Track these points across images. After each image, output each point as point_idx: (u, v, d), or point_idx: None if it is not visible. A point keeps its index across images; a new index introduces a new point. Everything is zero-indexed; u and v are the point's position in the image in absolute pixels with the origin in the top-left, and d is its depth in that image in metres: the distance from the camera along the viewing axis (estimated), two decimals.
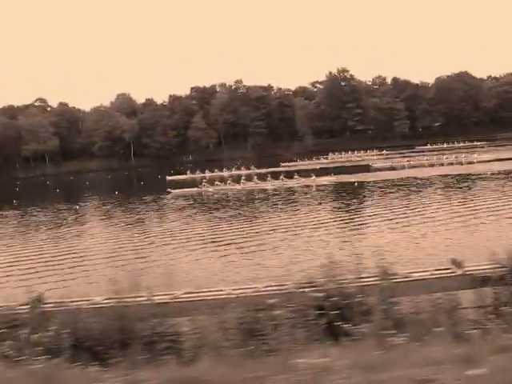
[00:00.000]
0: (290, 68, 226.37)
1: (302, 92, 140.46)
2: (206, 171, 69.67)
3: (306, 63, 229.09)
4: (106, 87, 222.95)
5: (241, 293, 10.56)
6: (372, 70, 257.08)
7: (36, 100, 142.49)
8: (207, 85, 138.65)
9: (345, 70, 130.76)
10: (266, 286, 10.79)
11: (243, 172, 68.89)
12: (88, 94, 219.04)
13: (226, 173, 67.99)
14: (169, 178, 69.59)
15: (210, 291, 11.20)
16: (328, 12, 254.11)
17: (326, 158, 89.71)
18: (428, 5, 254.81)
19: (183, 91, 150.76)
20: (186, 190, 53.64)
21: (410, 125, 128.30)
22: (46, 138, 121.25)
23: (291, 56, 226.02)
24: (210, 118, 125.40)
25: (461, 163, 63.10)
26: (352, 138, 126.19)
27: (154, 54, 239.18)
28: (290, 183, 52.61)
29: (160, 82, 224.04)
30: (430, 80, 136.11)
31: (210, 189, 52.38)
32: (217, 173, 68.91)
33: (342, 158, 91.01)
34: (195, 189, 53.62)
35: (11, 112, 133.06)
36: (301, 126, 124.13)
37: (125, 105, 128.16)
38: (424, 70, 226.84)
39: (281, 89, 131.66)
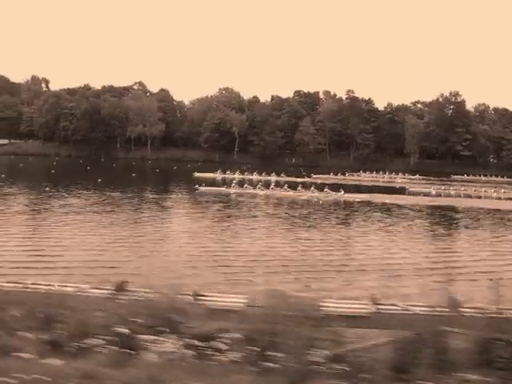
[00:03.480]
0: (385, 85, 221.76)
1: (403, 110, 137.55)
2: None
3: (404, 81, 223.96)
4: (195, 79, 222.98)
5: None
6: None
7: (135, 83, 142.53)
8: (310, 90, 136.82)
9: (457, 94, 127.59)
10: None
11: (277, 179, 69.42)
12: (181, 85, 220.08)
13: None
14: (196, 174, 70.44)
15: None
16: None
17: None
18: None
19: (283, 93, 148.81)
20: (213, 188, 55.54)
21: None
22: (153, 122, 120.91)
23: (392, 73, 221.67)
24: (316, 124, 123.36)
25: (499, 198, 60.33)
26: (455, 162, 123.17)
27: (255, 52, 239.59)
28: (321, 195, 52.64)
29: (258, 80, 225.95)
30: None
31: (232, 190, 54.21)
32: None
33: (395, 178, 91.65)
34: (222, 188, 55.70)
35: (113, 91, 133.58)
36: (409, 144, 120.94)
37: (233, 100, 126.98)
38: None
39: (390, 104, 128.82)
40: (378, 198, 52.36)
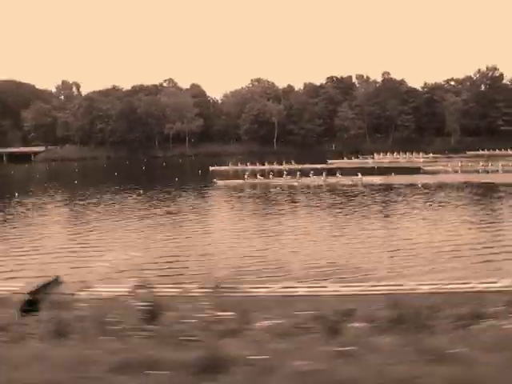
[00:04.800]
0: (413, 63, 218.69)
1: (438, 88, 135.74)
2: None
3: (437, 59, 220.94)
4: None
5: None
6: None
7: (165, 80, 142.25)
8: (342, 75, 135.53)
9: (494, 68, 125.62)
10: None
11: (288, 166, 65.86)
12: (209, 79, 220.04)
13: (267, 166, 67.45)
14: (212, 168, 70.02)
15: None
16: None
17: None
18: None
19: (315, 80, 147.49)
20: (229, 181, 53.37)
21: None
22: (191, 118, 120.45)
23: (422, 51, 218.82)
24: (354, 109, 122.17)
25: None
26: (497, 138, 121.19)
27: (282, 40, 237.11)
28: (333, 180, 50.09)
29: (287, 69, 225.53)
30: None
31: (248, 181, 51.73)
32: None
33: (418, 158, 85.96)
34: (239, 180, 53.02)
35: (145, 90, 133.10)
36: (450, 122, 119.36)
37: (268, 90, 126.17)
38: None
39: (427, 83, 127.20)
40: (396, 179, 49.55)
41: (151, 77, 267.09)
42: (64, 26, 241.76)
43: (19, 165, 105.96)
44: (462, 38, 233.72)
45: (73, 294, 10.39)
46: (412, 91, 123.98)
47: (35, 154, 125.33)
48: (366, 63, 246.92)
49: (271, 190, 46.11)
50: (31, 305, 8.19)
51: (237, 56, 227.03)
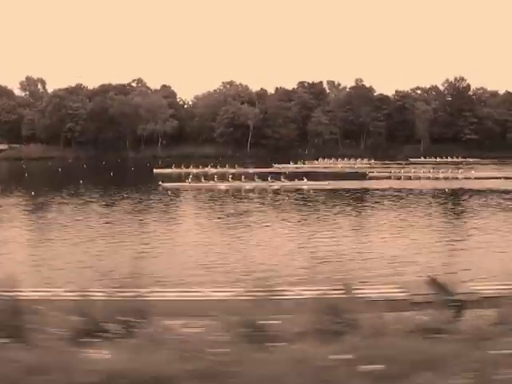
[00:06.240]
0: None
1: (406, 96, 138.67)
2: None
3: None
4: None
5: None
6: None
7: (134, 80, 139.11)
8: (311, 80, 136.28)
9: (462, 79, 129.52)
10: None
11: (230, 170, 67.87)
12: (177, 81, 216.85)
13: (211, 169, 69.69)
14: (156, 170, 71.38)
15: None
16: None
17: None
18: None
19: (284, 84, 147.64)
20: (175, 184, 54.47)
21: None
22: (165, 119, 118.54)
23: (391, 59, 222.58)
24: (327, 114, 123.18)
25: (446, 178, 62.53)
26: (462, 146, 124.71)
27: (250, 44, 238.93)
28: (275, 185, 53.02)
29: (256, 72, 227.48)
30: None
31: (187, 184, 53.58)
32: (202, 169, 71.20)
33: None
34: (183, 183, 54.36)
35: (113, 90, 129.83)
36: (420, 130, 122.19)
37: (241, 93, 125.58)
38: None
39: (398, 91, 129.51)
40: (340, 184, 52.75)
41: (115, 76, 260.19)
42: (24, 20, 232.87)
43: None
44: (428, 47, 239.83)
45: None
46: (384, 98, 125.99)
47: None
48: (333, 69, 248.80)
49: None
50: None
51: (204, 58, 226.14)
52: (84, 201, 42.21)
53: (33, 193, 46.48)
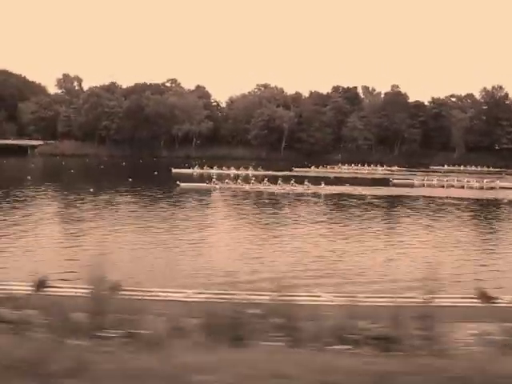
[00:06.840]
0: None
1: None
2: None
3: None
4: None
5: None
6: None
7: (168, 80, 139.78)
8: (349, 85, 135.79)
9: (500, 88, 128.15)
10: None
11: (256, 173, 69.56)
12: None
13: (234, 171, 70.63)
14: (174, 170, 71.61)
15: None
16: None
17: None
18: None
19: (318, 88, 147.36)
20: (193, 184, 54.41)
21: None
22: (200, 119, 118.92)
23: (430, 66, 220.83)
24: (361, 120, 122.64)
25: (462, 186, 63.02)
26: (498, 155, 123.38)
27: (284, 46, 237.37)
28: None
29: (289, 75, 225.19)
30: None
31: (218, 186, 53.60)
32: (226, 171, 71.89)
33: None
34: (205, 184, 54.30)
35: (148, 89, 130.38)
36: (455, 137, 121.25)
37: (276, 96, 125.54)
38: None
39: (434, 98, 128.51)
40: (364, 190, 52.60)
41: (147, 75, 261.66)
42: (60, 20, 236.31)
43: (11, 158, 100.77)
44: (466, 54, 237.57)
45: None
46: (420, 105, 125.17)
47: (33, 147, 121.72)
48: (367, 75, 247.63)
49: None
50: None
51: (238, 60, 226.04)
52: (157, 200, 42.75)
53: (91, 189, 46.78)
